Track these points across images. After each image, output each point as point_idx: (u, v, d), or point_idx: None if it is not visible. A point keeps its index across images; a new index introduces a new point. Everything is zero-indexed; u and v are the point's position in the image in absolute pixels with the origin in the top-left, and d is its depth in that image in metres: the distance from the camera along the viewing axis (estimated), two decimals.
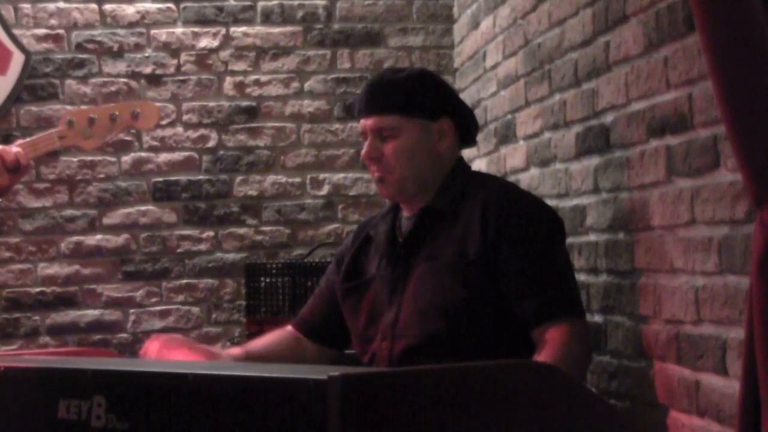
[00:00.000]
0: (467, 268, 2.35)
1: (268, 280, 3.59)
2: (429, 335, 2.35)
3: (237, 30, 4.18)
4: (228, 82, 4.16)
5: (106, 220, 4.07)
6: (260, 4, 4.19)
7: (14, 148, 2.60)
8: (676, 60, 2.13)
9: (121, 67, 4.09)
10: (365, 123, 2.47)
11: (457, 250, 2.37)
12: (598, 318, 2.59)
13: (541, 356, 2.23)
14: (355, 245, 2.62)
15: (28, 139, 2.72)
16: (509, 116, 3.37)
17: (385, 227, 2.55)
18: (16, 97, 3.98)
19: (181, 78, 4.13)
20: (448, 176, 2.49)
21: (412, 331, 2.37)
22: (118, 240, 4.07)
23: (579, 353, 2.29)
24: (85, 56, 4.07)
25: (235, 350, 2.63)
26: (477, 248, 2.35)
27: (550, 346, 2.24)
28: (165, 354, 2.42)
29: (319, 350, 2.68)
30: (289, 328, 2.71)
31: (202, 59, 4.15)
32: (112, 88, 4.07)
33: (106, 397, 1.77)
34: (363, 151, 2.48)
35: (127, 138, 4.07)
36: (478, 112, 3.63)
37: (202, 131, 4.14)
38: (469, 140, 2.58)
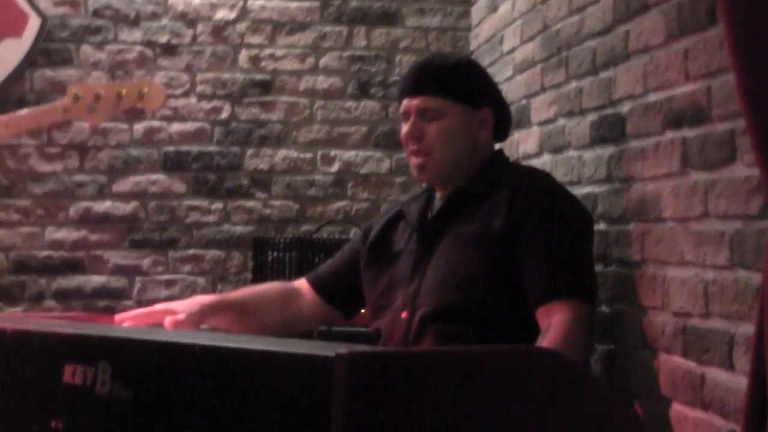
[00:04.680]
0: (489, 242, 2.38)
1: (275, 254, 3.60)
2: (444, 304, 2.38)
3: (254, 3, 4.16)
4: (243, 55, 4.15)
5: (116, 188, 4.07)
6: None
7: None
8: (696, 52, 2.12)
9: (137, 35, 4.08)
10: (410, 103, 2.51)
11: (482, 224, 2.41)
12: (605, 308, 2.59)
13: (546, 336, 2.23)
14: (386, 218, 2.68)
15: (28, 110, 2.67)
16: (524, 101, 3.36)
17: (418, 206, 2.61)
18: (30, 61, 3.97)
19: (197, 49, 4.12)
20: (485, 163, 2.54)
21: (430, 300, 2.41)
22: (127, 208, 4.07)
23: (580, 336, 2.28)
24: (101, 23, 4.06)
25: (208, 298, 2.58)
26: (501, 224, 2.38)
27: (554, 327, 2.25)
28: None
29: (321, 308, 2.71)
30: (296, 282, 2.75)
31: (219, 31, 4.14)
32: (127, 56, 4.06)
33: (112, 363, 1.78)
34: (404, 130, 2.52)
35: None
36: None
37: (215, 103, 4.13)
38: (503, 135, 2.64)
